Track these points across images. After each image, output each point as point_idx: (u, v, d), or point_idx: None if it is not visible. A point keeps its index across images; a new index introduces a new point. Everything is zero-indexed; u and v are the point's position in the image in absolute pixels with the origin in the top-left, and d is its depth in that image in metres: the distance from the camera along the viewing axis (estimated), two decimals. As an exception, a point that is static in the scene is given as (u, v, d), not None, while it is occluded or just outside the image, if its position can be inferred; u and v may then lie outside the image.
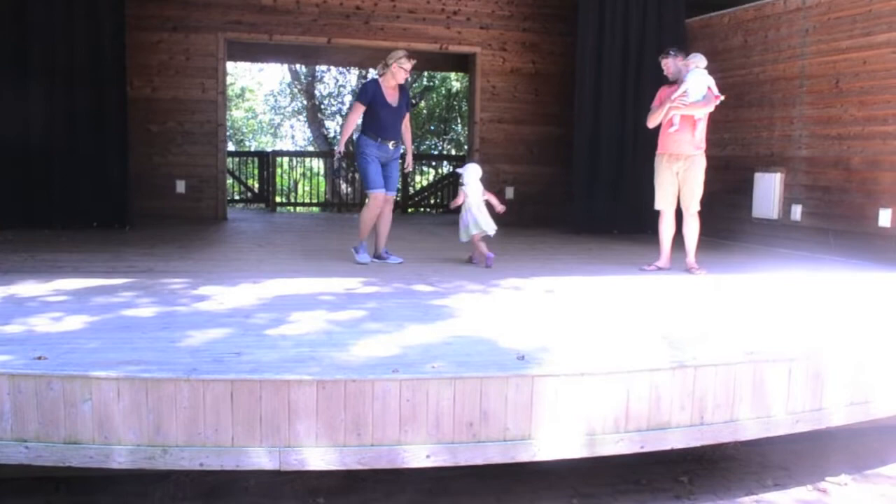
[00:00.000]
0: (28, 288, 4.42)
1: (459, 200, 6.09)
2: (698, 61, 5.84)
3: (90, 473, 2.96)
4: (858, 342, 3.67)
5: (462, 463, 2.94)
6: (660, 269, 5.93)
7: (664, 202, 5.93)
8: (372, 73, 20.04)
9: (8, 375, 2.77)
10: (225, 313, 3.88)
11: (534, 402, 2.96)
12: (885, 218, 6.63)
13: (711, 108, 5.81)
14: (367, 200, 6.15)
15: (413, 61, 6.02)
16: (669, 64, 6.03)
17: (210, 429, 2.78)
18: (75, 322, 3.58)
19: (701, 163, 5.84)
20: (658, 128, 5.95)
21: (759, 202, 7.99)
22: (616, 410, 3.07)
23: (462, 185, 6.17)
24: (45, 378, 2.77)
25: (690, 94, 5.74)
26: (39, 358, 2.92)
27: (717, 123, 6.06)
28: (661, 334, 3.66)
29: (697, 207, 5.86)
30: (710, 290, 5.16)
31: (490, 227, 5.97)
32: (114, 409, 2.77)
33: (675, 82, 5.91)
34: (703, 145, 5.85)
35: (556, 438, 2.99)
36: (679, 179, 5.85)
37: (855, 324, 4.11)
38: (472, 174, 6.11)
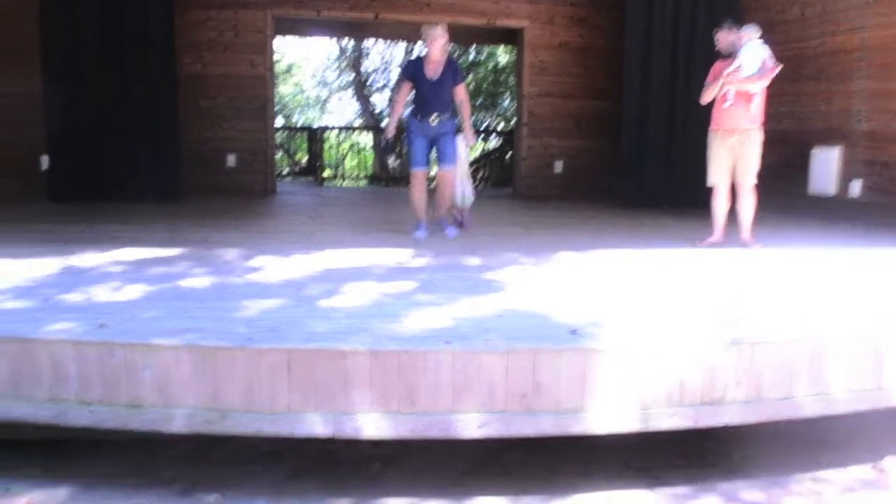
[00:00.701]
0: (87, 258, 4.53)
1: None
2: (752, 33, 5.69)
3: (149, 436, 3.03)
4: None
5: (514, 434, 2.95)
6: (713, 244, 5.83)
7: (718, 177, 5.81)
8: (420, 46, 19.99)
9: (73, 342, 2.86)
10: (278, 284, 3.93)
11: (587, 375, 2.94)
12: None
13: (767, 82, 5.65)
14: None
15: (440, 33, 5.85)
16: (722, 37, 5.89)
17: (266, 396, 2.83)
18: (134, 291, 3.66)
19: (757, 137, 5.70)
20: (712, 102, 5.82)
21: (816, 177, 7.79)
22: (670, 385, 3.04)
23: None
24: (108, 345, 2.85)
25: (745, 68, 5.60)
26: (101, 326, 3.00)
27: (773, 97, 5.91)
28: (715, 309, 3.61)
29: (753, 182, 5.74)
30: (766, 266, 5.06)
31: (468, 199, 6.54)
32: (173, 376, 2.84)
33: (730, 56, 5.77)
34: (760, 119, 5.71)
35: (608, 412, 2.98)
36: (734, 154, 5.73)
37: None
38: (461, 148, 6.43)
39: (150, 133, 8.22)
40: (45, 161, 8.01)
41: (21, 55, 7.60)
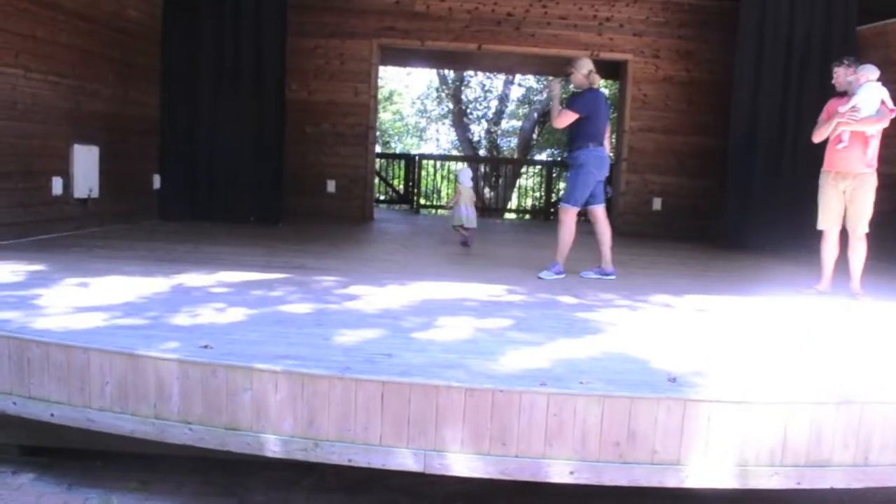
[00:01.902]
0: (194, 278, 4.71)
1: (457, 198, 7.08)
2: (870, 73, 5.45)
3: (244, 458, 3.10)
4: None
5: (606, 483, 2.87)
6: (820, 292, 5.59)
7: (828, 222, 5.57)
8: (519, 79, 20.10)
9: (178, 361, 2.96)
10: (375, 314, 3.98)
11: (685, 426, 2.85)
12: None
13: (885, 124, 5.40)
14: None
15: (568, 68, 5.91)
16: (840, 74, 5.67)
17: (360, 426, 2.85)
18: (236, 314, 3.77)
19: (871, 182, 5.45)
20: (824, 143, 5.61)
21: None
22: (772, 442, 2.90)
23: (459, 183, 7.23)
24: (211, 366, 2.93)
25: (861, 108, 5.37)
26: (205, 347, 3.10)
27: (890, 139, 5.63)
28: (823, 363, 3.45)
29: (866, 229, 5.47)
30: (875, 319, 4.81)
31: (473, 223, 7.12)
32: (271, 400, 2.90)
33: (845, 94, 5.55)
34: (875, 163, 5.46)
35: (706, 466, 2.87)
36: (846, 199, 5.49)
37: None
38: (466, 176, 7.32)
39: (258, 157, 8.55)
40: (157, 180, 8.41)
41: (140, 77, 8.02)
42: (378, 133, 21.45)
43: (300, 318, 3.78)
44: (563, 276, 5.73)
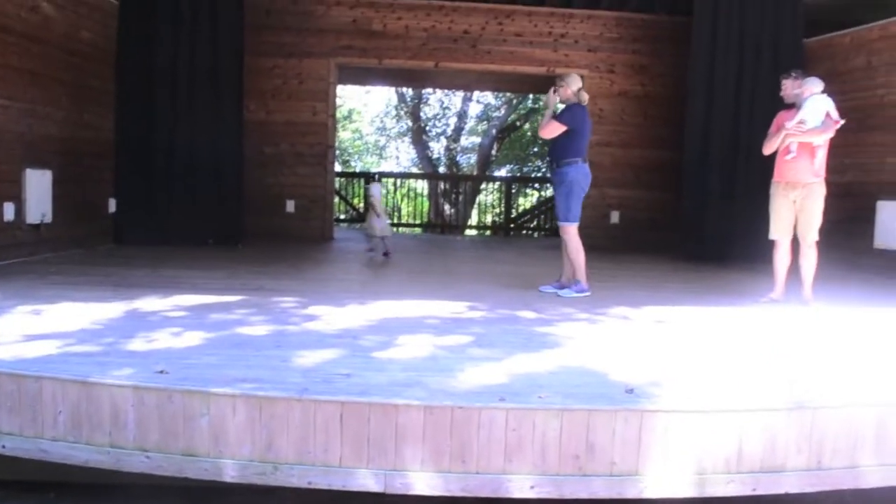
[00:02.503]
0: (150, 303, 4.65)
1: (375, 211, 7.78)
2: (814, 86, 5.61)
3: (202, 484, 3.05)
4: None
5: (567, 496, 2.89)
6: (774, 300, 5.70)
7: (779, 232, 5.70)
8: (477, 96, 20.25)
9: (133, 388, 2.91)
10: (334, 334, 3.96)
11: (642, 437, 2.88)
12: None
13: (831, 135, 5.55)
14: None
15: (558, 82, 5.96)
16: (788, 86, 5.81)
17: (319, 448, 2.84)
18: (193, 338, 3.73)
19: (820, 191, 5.58)
20: (774, 154, 5.74)
21: (882, 231, 7.58)
22: (728, 450, 2.95)
23: (372, 197, 7.90)
24: (167, 392, 2.90)
25: (808, 120, 5.52)
26: (161, 372, 3.06)
27: (837, 148, 5.78)
28: (776, 371, 3.52)
29: (815, 238, 5.60)
30: (828, 325, 4.92)
31: (388, 232, 7.95)
32: (229, 425, 2.87)
33: (793, 106, 5.70)
34: (823, 173, 5.60)
35: (664, 476, 2.90)
36: (796, 208, 5.62)
37: None
38: (377, 189, 8.03)
39: (216, 179, 8.46)
40: (112, 204, 8.29)
41: (95, 100, 7.92)
42: (337, 152, 21.44)
43: (259, 340, 3.75)
44: (587, 293, 5.75)
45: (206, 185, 8.42)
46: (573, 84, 5.89)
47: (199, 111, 8.42)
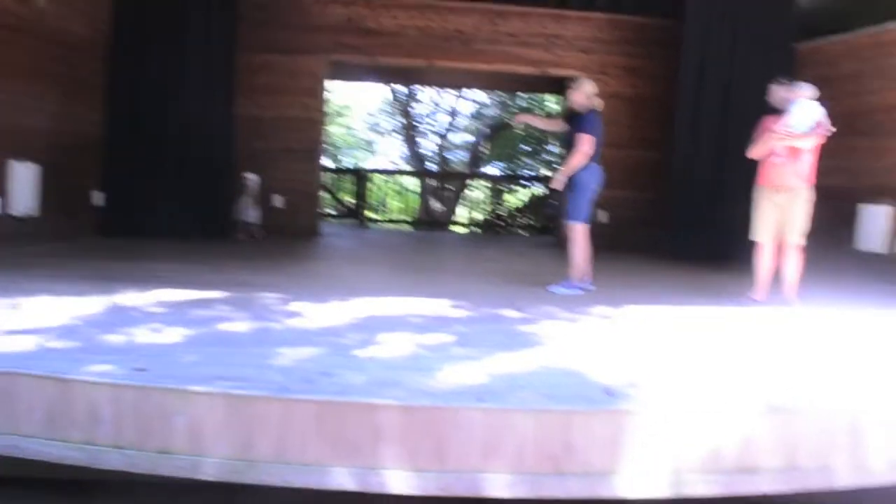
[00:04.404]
0: (132, 297, 4.63)
1: (249, 200, 8.72)
2: (805, 91, 5.64)
3: (178, 481, 3.04)
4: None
5: (543, 495, 2.89)
6: (756, 301, 5.72)
7: (764, 234, 5.72)
8: (469, 94, 20.25)
9: (110, 385, 2.90)
10: (316, 332, 3.96)
11: (619, 438, 2.88)
12: None
13: (817, 141, 5.57)
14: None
15: (571, 85, 6.05)
16: (776, 91, 5.84)
17: (297, 447, 2.83)
18: (174, 334, 3.71)
19: (806, 195, 5.61)
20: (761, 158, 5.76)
21: (865, 235, 7.63)
22: (704, 450, 2.96)
23: (248, 187, 8.66)
24: (144, 390, 2.88)
25: (794, 125, 5.54)
26: (140, 369, 3.04)
27: (825, 151, 5.82)
28: (754, 373, 3.54)
29: (800, 241, 5.63)
30: (808, 327, 4.94)
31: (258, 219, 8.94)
32: (206, 423, 2.86)
33: (780, 111, 5.72)
34: (810, 178, 5.62)
35: (640, 476, 2.91)
36: (781, 212, 5.64)
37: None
38: (255, 181, 8.83)
39: (206, 173, 8.43)
40: (98, 197, 8.25)
41: (83, 93, 7.89)
42: (328, 148, 21.44)
43: (240, 338, 3.75)
44: (579, 291, 5.83)
45: (195, 180, 8.41)
46: (586, 89, 5.92)
47: (190, 106, 8.40)
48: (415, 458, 2.83)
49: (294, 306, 4.61)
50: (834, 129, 5.57)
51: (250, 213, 8.88)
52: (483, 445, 2.85)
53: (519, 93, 17.90)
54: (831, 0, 8.76)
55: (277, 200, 9.70)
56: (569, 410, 2.89)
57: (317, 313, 4.43)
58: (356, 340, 3.77)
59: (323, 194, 12.13)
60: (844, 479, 3.14)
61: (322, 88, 9.87)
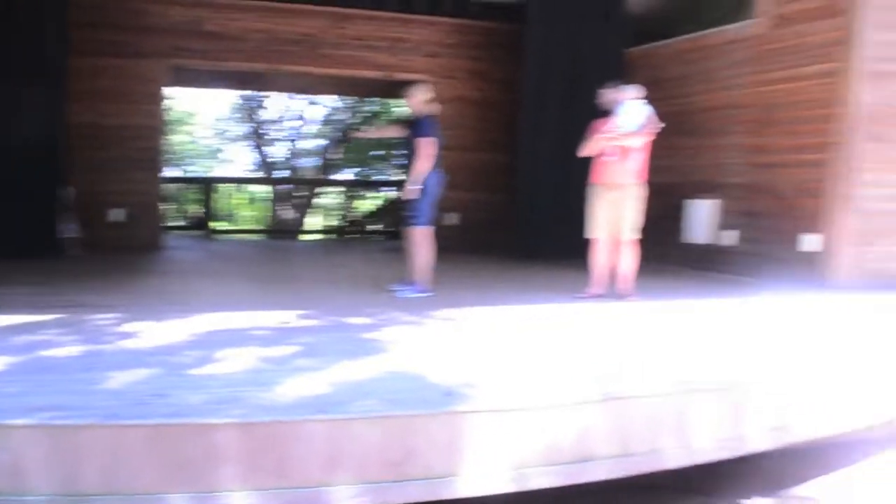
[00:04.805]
0: (-53, 326, 4.28)
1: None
2: (632, 92, 5.97)
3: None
4: (778, 369, 3.79)
5: (388, 503, 2.92)
6: (594, 296, 6.01)
7: (598, 230, 6.03)
8: (318, 99, 20.02)
9: (-82, 426, 2.67)
10: (151, 351, 3.80)
11: (459, 438, 2.96)
12: (811, 242, 6.85)
13: (644, 139, 5.92)
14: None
15: (407, 93, 6.11)
16: (606, 94, 6.16)
17: (129, 476, 2.71)
18: (-4, 363, 3.47)
19: (637, 192, 5.94)
20: (595, 157, 6.05)
21: (693, 227, 8.18)
22: (542, 444, 3.09)
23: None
24: (-44, 428, 2.68)
25: (622, 125, 5.86)
26: (-47, 405, 2.83)
27: (655, 151, 6.22)
28: (589, 365, 3.72)
29: (633, 236, 5.96)
30: (642, 318, 5.25)
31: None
32: (29, 458, 2.68)
33: (610, 113, 6.03)
34: (640, 175, 5.96)
35: (481, 474, 2.99)
36: (614, 208, 5.95)
37: (776, 350, 4.23)
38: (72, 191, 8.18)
39: (36, 183, 7.89)
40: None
41: None
42: (172, 156, 20.58)
43: (68, 363, 3.54)
44: (427, 294, 5.89)
45: (25, 193, 7.83)
46: (424, 94, 5.99)
47: (19, 114, 7.81)
48: (256, 477, 2.79)
49: (129, 326, 4.39)
50: (662, 126, 5.92)
51: (71, 228, 8.36)
52: (326, 458, 2.84)
53: (369, 97, 17.90)
54: (659, 8, 9.32)
55: (117, 213, 9.23)
56: (409, 415, 2.93)
57: (153, 332, 4.25)
58: (194, 358, 3.66)
59: (167, 205, 11.69)
60: (673, 460, 3.37)
61: (165, 94, 9.51)
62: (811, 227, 6.89)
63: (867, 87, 6.62)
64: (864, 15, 6.57)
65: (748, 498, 3.74)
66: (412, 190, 5.87)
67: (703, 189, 8.13)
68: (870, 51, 6.61)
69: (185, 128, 21.04)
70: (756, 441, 3.57)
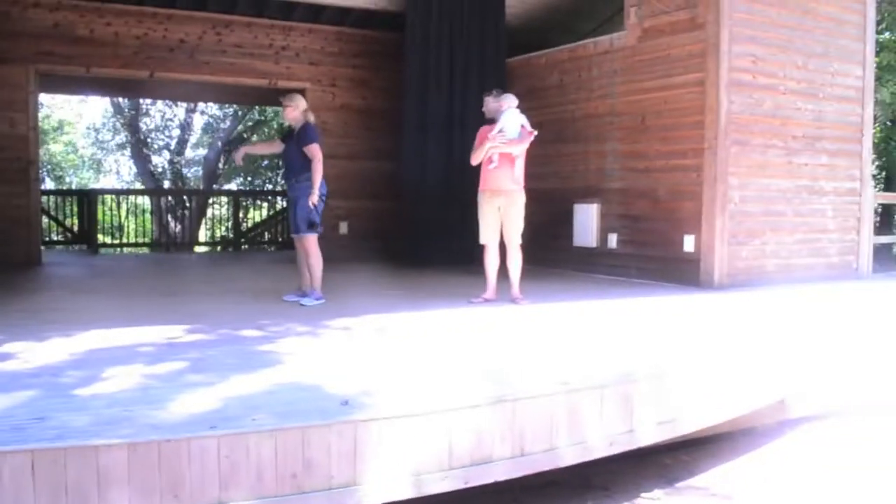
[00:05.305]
0: None
1: None
2: (510, 101, 6.16)
3: None
4: (664, 365, 3.97)
5: (287, 516, 2.90)
6: (487, 300, 6.13)
7: (487, 236, 6.16)
8: (202, 107, 19.52)
9: None
10: (30, 373, 3.62)
11: (357, 448, 2.96)
12: (688, 244, 7.22)
13: (526, 145, 6.10)
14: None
15: (284, 102, 6.10)
16: (488, 102, 6.32)
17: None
18: None
19: (520, 198, 6.11)
20: (481, 165, 6.18)
21: (579, 232, 8.46)
22: (439, 449, 3.13)
23: None
24: None
25: (506, 132, 6.02)
26: None
27: (538, 158, 6.42)
28: (483, 369, 3.80)
29: (519, 241, 6.13)
30: (532, 321, 5.40)
31: None
32: None
33: (493, 121, 6.19)
34: (522, 181, 6.13)
35: (381, 482, 3.01)
36: (501, 214, 6.10)
37: (661, 347, 4.45)
38: None
39: None
40: None
41: None
42: (49, 167, 19.59)
43: (-65, 390, 3.33)
44: (323, 301, 5.91)
45: None
46: (300, 104, 6.00)
47: None
48: (148, 499, 2.70)
49: (6, 347, 4.16)
50: (536, 132, 6.10)
51: None
52: (221, 474, 2.79)
53: (256, 105, 17.61)
54: (536, 19, 9.61)
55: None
56: (305, 427, 2.91)
57: (32, 353, 4.05)
58: (77, 378, 3.51)
59: (43, 219, 11.12)
60: (568, 458, 3.48)
61: (33, 102, 9.05)
62: (687, 229, 7.26)
63: (730, 96, 7.05)
64: (723, 28, 7.00)
65: (648, 491, 3.89)
66: (313, 197, 5.84)
67: (585, 194, 8.43)
68: (730, 62, 7.04)
69: (63, 137, 20.07)
70: (646, 435, 3.74)
